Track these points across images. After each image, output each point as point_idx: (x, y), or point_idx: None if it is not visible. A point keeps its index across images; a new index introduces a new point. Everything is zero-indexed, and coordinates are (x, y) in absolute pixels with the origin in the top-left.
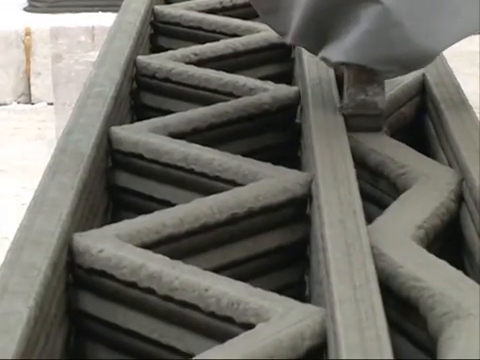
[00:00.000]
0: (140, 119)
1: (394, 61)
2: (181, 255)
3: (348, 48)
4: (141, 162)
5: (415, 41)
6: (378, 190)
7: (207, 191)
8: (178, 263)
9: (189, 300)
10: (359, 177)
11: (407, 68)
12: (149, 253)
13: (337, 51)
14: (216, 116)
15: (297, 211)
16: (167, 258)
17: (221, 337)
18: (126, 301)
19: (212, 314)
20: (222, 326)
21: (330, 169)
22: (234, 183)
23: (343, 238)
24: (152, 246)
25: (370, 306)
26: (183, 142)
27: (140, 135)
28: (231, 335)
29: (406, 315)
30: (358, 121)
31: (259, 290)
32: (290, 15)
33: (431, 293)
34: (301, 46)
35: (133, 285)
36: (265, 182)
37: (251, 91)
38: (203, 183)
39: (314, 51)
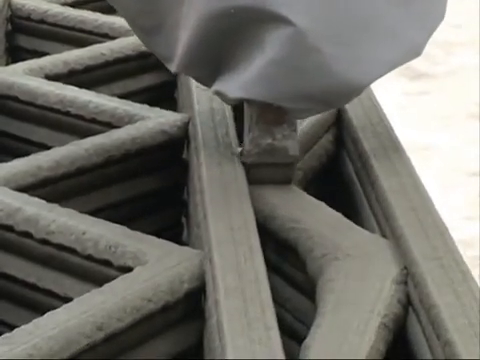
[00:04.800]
0: (15, 61)
1: (309, 97)
2: (58, 198)
3: (249, 81)
4: (16, 104)
5: (337, 71)
6: None
7: (83, 134)
8: (55, 206)
9: (66, 243)
10: (236, 119)
11: (326, 105)
12: (25, 196)
13: (235, 84)
14: (92, 58)
15: (174, 153)
16: (44, 201)
17: (99, 280)
18: (2, 245)
19: (89, 257)
20: (100, 269)
21: (208, 110)
22: (111, 125)
23: (221, 180)
24: (28, 189)
25: (248, 248)
26: (59, 84)
27: (15, 77)
28: (109, 278)
29: (285, 257)
30: (263, 172)
31: (137, 233)
32: (176, 36)
33: (310, 234)
34: (189, 75)
35: (9, 229)
36: (142, 124)
37: (127, 32)
38: (79, 125)
39: (206, 83)
